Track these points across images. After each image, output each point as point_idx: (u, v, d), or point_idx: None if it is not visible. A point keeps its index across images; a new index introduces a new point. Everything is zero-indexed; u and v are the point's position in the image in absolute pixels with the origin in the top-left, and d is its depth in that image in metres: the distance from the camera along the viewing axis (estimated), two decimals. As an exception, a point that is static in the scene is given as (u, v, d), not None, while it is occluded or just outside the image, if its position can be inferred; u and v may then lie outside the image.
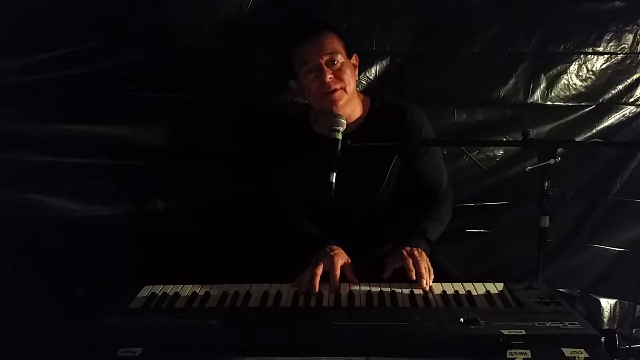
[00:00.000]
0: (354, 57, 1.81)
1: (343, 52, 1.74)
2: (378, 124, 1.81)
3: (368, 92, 1.92)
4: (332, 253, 1.63)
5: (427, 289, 1.53)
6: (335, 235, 1.82)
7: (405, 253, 1.60)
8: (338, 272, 1.57)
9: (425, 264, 1.58)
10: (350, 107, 1.79)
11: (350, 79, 1.74)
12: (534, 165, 1.50)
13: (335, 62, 1.71)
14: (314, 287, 1.52)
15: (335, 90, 1.71)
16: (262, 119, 2.07)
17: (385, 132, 1.76)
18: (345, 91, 1.73)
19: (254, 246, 2.12)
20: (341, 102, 1.72)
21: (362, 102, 1.85)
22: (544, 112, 2.18)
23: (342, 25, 2.00)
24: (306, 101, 2.03)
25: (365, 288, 1.54)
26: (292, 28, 1.83)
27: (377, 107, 1.84)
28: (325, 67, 1.70)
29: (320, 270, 1.56)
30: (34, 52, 1.96)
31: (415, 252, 1.60)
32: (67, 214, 2.07)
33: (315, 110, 1.84)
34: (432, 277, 1.58)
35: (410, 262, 1.56)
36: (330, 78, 1.70)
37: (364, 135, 1.72)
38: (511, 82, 2.15)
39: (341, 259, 1.62)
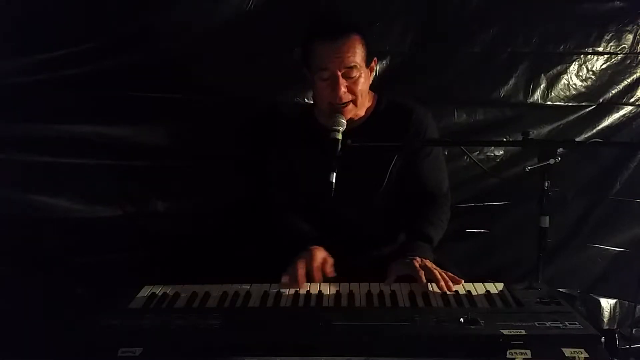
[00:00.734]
0: (373, 61, 1.76)
1: (363, 62, 1.68)
2: (383, 123, 1.79)
3: (376, 89, 1.91)
4: (311, 249, 1.65)
5: (452, 289, 1.51)
6: (334, 234, 1.82)
7: (417, 264, 1.58)
8: (318, 264, 1.59)
9: (439, 272, 1.56)
10: (358, 109, 1.77)
11: (363, 88, 1.71)
12: (534, 165, 1.50)
13: (353, 74, 1.67)
14: (299, 283, 1.54)
15: (346, 103, 1.69)
16: (262, 119, 2.07)
17: (390, 132, 1.75)
18: (355, 104, 1.71)
19: (254, 246, 2.12)
20: (349, 115, 1.71)
21: (369, 99, 1.83)
22: (544, 112, 2.18)
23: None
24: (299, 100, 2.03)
25: (365, 288, 1.54)
26: (316, 18, 1.78)
27: (383, 105, 1.83)
28: (341, 79, 1.65)
29: (302, 265, 1.58)
30: (33, 53, 1.96)
31: (427, 264, 1.59)
32: (67, 214, 2.07)
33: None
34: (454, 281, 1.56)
35: (423, 273, 1.55)
36: (343, 92, 1.67)
37: (368, 134, 1.71)
38: (511, 82, 2.16)
39: (320, 253, 1.64)
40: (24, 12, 1.95)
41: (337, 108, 1.69)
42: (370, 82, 1.78)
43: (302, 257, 1.63)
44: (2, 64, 1.96)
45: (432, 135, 1.85)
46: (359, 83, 1.69)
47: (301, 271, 1.57)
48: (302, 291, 1.54)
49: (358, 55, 1.67)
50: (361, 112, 1.80)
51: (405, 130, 1.78)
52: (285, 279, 1.57)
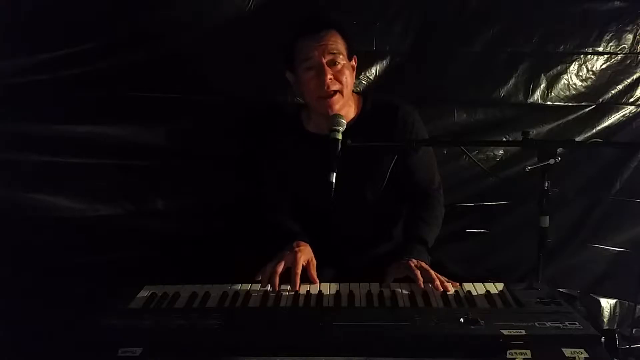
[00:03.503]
0: (353, 59, 1.80)
1: (345, 54, 1.73)
2: (370, 122, 1.80)
3: (360, 91, 1.91)
4: (296, 249, 1.63)
5: (450, 289, 1.51)
6: (330, 235, 1.83)
7: (412, 265, 1.58)
8: (299, 270, 1.57)
9: (434, 274, 1.55)
10: (345, 109, 1.78)
11: (348, 81, 1.73)
12: (534, 165, 1.50)
13: (337, 63, 1.70)
14: (274, 286, 1.53)
15: (333, 92, 1.70)
16: (262, 119, 2.07)
17: (378, 130, 1.76)
18: (342, 94, 1.72)
19: (253, 246, 2.12)
20: (337, 106, 1.72)
21: (356, 101, 1.85)
22: (544, 112, 2.18)
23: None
24: (299, 100, 2.03)
25: (365, 288, 1.54)
26: (297, 21, 1.79)
27: (368, 105, 1.84)
28: (326, 67, 1.69)
29: (280, 268, 1.57)
30: (34, 52, 1.96)
31: (423, 265, 1.59)
32: (67, 214, 2.07)
33: (309, 109, 1.83)
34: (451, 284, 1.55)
35: (419, 273, 1.55)
36: (330, 79, 1.69)
37: (357, 134, 1.71)
38: (511, 82, 2.15)
39: (304, 255, 1.62)
40: (24, 12, 1.95)
41: (326, 103, 1.70)
42: (354, 79, 1.80)
43: (285, 258, 1.60)
44: (2, 64, 1.96)
45: (420, 130, 1.85)
46: (344, 72, 1.71)
47: (277, 276, 1.54)
48: (302, 291, 1.54)
49: (340, 45, 1.71)
50: (350, 115, 1.80)
51: (393, 127, 1.79)
52: (259, 277, 1.57)
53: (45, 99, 2.00)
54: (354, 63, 1.80)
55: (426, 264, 1.62)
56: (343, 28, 1.76)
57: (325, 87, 1.69)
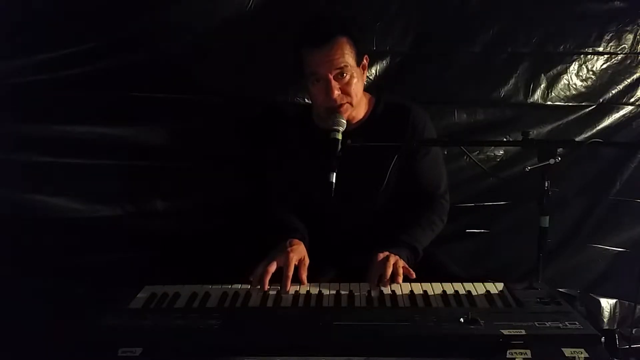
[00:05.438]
0: (364, 58, 1.75)
1: (353, 62, 1.67)
2: (381, 124, 1.80)
3: (373, 90, 1.91)
4: (288, 249, 1.62)
5: (385, 287, 1.52)
6: (334, 234, 1.82)
7: (376, 259, 1.60)
8: (290, 273, 1.55)
9: (393, 269, 1.55)
10: (356, 110, 1.77)
11: (357, 90, 1.70)
12: (534, 165, 1.50)
13: (345, 75, 1.66)
14: (264, 285, 1.52)
15: (341, 105, 1.68)
16: (262, 119, 2.07)
17: (388, 132, 1.75)
18: (351, 104, 1.70)
19: (254, 246, 2.12)
20: (346, 115, 1.69)
21: (367, 101, 1.84)
22: (544, 112, 2.18)
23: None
24: (300, 100, 2.03)
25: (365, 288, 1.54)
26: (303, 25, 1.72)
27: (380, 106, 1.83)
28: (333, 82, 1.64)
29: (272, 268, 1.56)
30: (34, 53, 1.96)
31: (388, 259, 1.58)
32: (67, 214, 2.07)
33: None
34: (412, 277, 1.55)
35: (375, 273, 1.56)
36: (337, 95, 1.66)
37: (366, 134, 1.71)
38: (511, 82, 2.16)
39: (297, 255, 1.60)
40: (24, 12, 1.95)
41: (334, 110, 1.69)
42: (365, 79, 1.78)
43: (277, 259, 1.59)
44: (2, 64, 1.96)
45: (430, 135, 1.84)
46: (352, 84, 1.68)
47: (268, 276, 1.54)
48: (302, 291, 1.54)
49: (347, 56, 1.65)
50: (359, 114, 1.80)
51: (403, 131, 1.78)
52: (251, 277, 1.56)
53: (45, 99, 2.00)
54: (365, 62, 1.75)
55: (398, 259, 1.60)
56: (350, 30, 1.67)
57: (333, 103, 1.67)
